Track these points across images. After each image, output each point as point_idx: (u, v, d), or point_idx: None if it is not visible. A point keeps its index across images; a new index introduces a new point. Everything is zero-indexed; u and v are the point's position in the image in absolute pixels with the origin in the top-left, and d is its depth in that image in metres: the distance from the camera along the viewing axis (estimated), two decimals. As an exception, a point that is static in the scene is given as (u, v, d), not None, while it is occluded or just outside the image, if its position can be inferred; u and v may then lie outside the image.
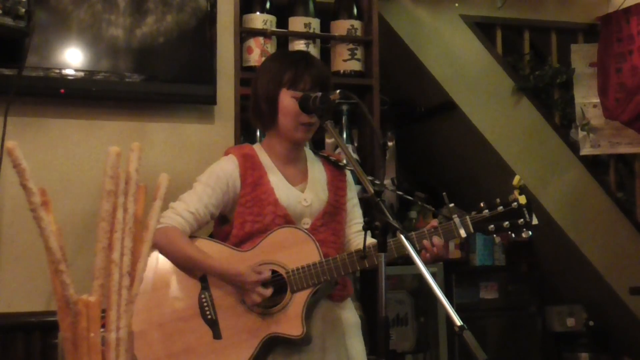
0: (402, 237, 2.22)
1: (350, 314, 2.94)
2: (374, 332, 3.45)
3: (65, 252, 1.16)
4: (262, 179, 2.81)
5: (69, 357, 1.17)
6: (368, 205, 3.74)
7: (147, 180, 1.26)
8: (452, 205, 2.68)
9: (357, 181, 3.74)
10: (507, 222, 2.69)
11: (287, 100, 2.78)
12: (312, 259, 2.72)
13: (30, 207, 1.11)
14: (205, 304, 2.74)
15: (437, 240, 2.68)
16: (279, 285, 2.73)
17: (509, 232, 2.71)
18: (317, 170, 2.94)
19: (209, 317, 2.73)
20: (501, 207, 2.69)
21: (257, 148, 2.90)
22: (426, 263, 2.63)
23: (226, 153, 2.89)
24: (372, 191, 2.32)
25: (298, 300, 2.71)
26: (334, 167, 2.98)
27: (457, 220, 2.70)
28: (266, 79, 2.83)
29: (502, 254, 5.36)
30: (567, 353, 5.43)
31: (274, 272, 2.73)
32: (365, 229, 2.35)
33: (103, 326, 1.18)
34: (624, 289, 5.18)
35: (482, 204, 2.73)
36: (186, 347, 2.72)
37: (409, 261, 2.53)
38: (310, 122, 2.79)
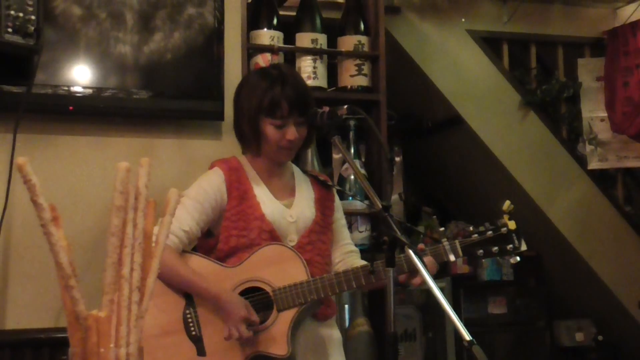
0: (411, 252, 2.22)
1: (332, 331, 2.91)
2: (383, 347, 3.44)
3: (75, 267, 1.17)
4: (248, 193, 2.79)
5: (79, 372, 1.17)
6: (376, 219, 3.75)
7: (155, 196, 1.27)
8: (442, 229, 2.70)
9: (365, 196, 3.75)
10: (496, 247, 2.70)
11: (267, 128, 2.76)
12: (300, 278, 2.69)
13: (40, 223, 1.11)
14: (189, 320, 2.70)
15: (427, 260, 2.66)
16: (265, 303, 2.70)
17: (498, 257, 2.73)
18: (304, 188, 2.93)
19: (194, 333, 2.69)
20: (490, 232, 2.71)
21: (243, 161, 2.88)
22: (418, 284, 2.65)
23: (212, 166, 2.87)
24: (380, 206, 2.32)
25: (284, 320, 2.68)
26: (322, 187, 2.96)
27: (446, 244, 2.70)
28: (247, 105, 2.81)
29: (510, 269, 5.35)
30: (577, 368, 5.42)
31: (260, 289, 2.71)
32: (373, 244, 2.35)
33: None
34: (632, 303, 5.17)
35: (471, 228, 2.74)
36: None
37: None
38: (291, 145, 2.78)
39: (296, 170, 2.99)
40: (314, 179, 2.98)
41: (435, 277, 2.15)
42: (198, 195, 2.77)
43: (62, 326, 3.02)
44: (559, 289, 5.53)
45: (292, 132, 2.75)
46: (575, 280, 5.44)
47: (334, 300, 2.97)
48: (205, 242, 2.84)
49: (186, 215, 2.73)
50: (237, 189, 2.79)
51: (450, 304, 2.07)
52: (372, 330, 3.90)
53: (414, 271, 2.62)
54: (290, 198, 2.87)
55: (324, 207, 2.92)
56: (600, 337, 5.40)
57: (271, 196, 2.83)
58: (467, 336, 1.96)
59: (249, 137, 2.82)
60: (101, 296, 1.18)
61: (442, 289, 2.11)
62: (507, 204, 2.72)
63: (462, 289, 5.13)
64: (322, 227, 2.88)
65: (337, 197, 3.01)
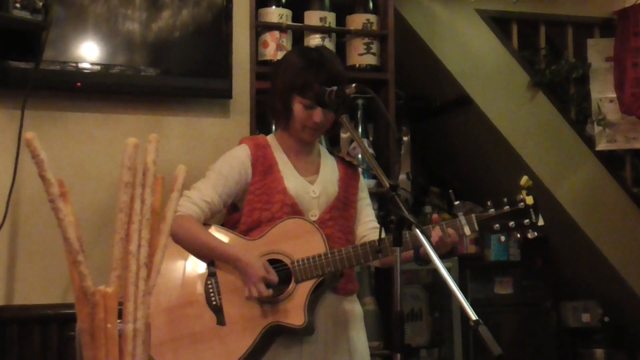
0: (418, 231, 2.21)
1: (354, 306, 2.98)
2: (389, 327, 3.45)
3: (83, 243, 1.17)
4: (273, 168, 2.86)
5: (86, 348, 1.18)
6: (383, 199, 3.75)
7: (162, 173, 1.27)
8: (457, 203, 2.71)
9: (373, 175, 3.75)
10: (512, 222, 2.72)
11: (296, 107, 2.84)
12: (318, 251, 2.75)
13: (48, 198, 1.11)
14: (211, 290, 2.77)
15: (451, 231, 2.70)
16: (284, 275, 2.76)
17: (515, 232, 2.73)
18: (329, 166, 2.99)
19: (214, 303, 2.76)
20: (507, 207, 2.72)
21: (270, 139, 2.96)
22: (444, 254, 2.67)
23: (240, 142, 2.96)
24: (388, 185, 2.32)
25: (302, 291, 2.74)
26: (348, 167, 3.04)
27: (462, 217, 2.72)
28: (282, 81, 2.89)
29: (517, 249, 5.34)
30: (582, 349, 5.41)
31: (279, 261, 2.76)
32: (380, 223, 2.37)
33: (120, 317, 1.19)
34: (639, 285, 5.17)
35: (488, 203, 2.76)
36: (190, 332, 2.75)
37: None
38: (316, 127, 2.85)
39: (322, 150, 3.06)
40: (340, 159, 3.06)
41: (442, 257, 2.15)
42: (222, 169, 2.86)
43: (69, 302, 3.04)
44: (566, 270, 5.52)
45: (318, 115, 2.82)
46: (582, 261, 5.43)
47: (355, 277, 3.02)
48: (231, 217, 2.92)
49: (209, 186, 2.83)
50: (263, 164, 2.86)
51: (456, 284, 2.07)
52: (379, 310, 3.91)
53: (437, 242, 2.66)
54: (314, 175, 2.94)
55: (347, 185, 2.98)
56: (606, 319, 5.39)
57: (295, 172, 2.90)
58: (473, 316, 1.97)
59: (279, 112, 2.90)
60: (109, 272, 1.19)
61: (448, 269, 2.11)
62: (524, 179, 2.73)
63: (468, 269, 5.13)
64: (344, 204, 2.95)
65: (362, 178, 3.09)
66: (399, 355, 2.15)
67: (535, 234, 2.72)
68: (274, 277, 2.72)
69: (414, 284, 4.93)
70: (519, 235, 2.77)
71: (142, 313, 1.19)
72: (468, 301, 2.01)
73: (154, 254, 1.21)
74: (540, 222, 2.71)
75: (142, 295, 1.19)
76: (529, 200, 2.71)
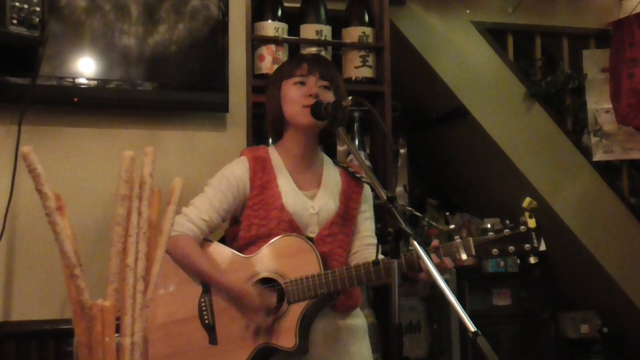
0: (415, 242, 2.20)
1: (355, 321, 2.88)
2: (387, 339, 3.45)
3: (80, 257, 1.17)
4: (271, 183, 2.78)
5: (84, 361, 1.18)
6: (381, 211, 3.74)
7: (159, 187, 1.27)
8: (452, 227, 2.62)
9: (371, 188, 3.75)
10: (512, 247, 2.57)
11: (290, 90, 2.78)
12: (312, 271, 2.66)
13: (45, 212, 1.11)
14: (204, 309, 2.72)
15: (447, 259, 2.58)
16: (277, 294, 2.69)
17: (514, 257, 2.61)
18: (332, 178, 2.89)
19: (207, 322, 2.71)
20: (507, 230, 2.57)
21: (271, 150, 2.87)
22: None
23: (241, 154, 2.87)
24: (385, 197, 2.31)
25: (294, 312, 2.67)
26: (352, 179, 2.92)
27: (458, 241, 2.59)
28: (272, 83, 2.87)
29: (515, 260, 5.34)
30: (581, 360, 5.42)
31: (272, 280, 2.70)
32: (378, 235, 2.33)
33: (118, 331, 1.19)
34: (638, 295, 5.17)
35: (487, 225, 2.62)
36: (182, 350, 2.71)
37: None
38: (312, 103, 2.74)
39: (326, 160, 2.95)
40: (344, 170, 2.94)
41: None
42: (220, 185, 2.78)
43: (67, 317, 3.03)
44: (564, 281, 5.52)
45: (311, 86, 2.74)
46: (580, 272, 5.43)
47: (359, 290, 2.92)
48: (232, 229, 2.86)
49: (206, 203, 2.76)
50: (261, 179, 2.78)
51: (454, 295, 2.06)
52: (377, 322, 3.90)
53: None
54: (315, 189, 2.84)
55: (348, 199, 2.88)
56: (605, 329, 5.40)
57: (294, 187, 2.80)
58: (471, 327, 1.96)
59: (278, 114, 2.82)
60: (106, 286, 1.19)
61: (446, 281, 2.10)
62: (527, 201, 2.56)
63: (466, 281, 5.13)
64: (344, 220, 2.84)
65: (367, 190, 2.94)
66: (397, 367, 2.14)
67: (537, 259, 2.57)
68: (271, 301, 2.65)
69: (412, 296, 4.93)
70: (519, 261, 2.64)
71: (139, 326, 1.19)
72: (466, 313, 2.01)
73: (151, 266, 1.21)
74: (542, 248, 2.56)
75: (139, 308, 1.19)
76: (531, 223, 2.56)
